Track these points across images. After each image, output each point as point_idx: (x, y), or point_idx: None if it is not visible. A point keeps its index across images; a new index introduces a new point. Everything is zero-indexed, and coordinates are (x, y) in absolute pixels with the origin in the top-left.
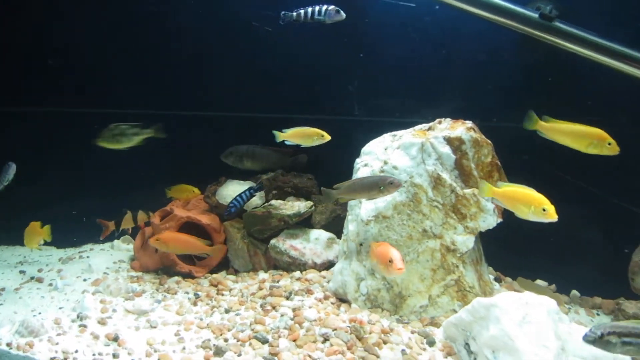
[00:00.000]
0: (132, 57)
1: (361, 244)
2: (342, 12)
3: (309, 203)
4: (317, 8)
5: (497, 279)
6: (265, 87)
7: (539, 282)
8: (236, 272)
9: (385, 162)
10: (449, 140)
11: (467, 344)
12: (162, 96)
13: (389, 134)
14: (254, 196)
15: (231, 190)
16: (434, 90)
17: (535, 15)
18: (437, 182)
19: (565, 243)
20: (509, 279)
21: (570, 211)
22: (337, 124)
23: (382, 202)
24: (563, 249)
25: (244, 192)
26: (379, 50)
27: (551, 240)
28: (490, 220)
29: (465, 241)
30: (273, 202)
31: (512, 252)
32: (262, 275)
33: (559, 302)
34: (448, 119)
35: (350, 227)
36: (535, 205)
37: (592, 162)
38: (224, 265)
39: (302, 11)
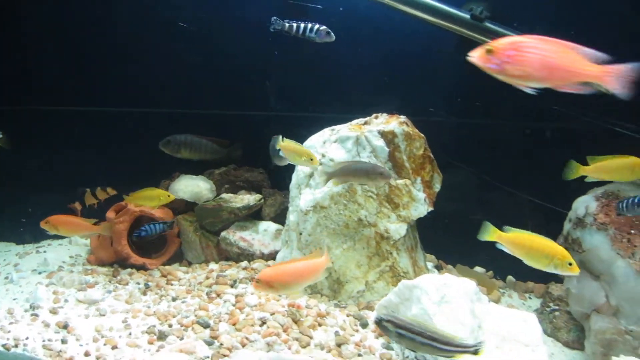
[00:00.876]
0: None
1: (300, 233)
2: (332, 34)
3: (258, 196)
4: (309, 25)
5: (438, 267)
6: (205, 83)
7: (478, 268)
8: (189, 264)
9: (323, 155)
10: (382, 134)
11: None
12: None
13: (329, 128)
14: (165, 231)
15: (183, 184)
16: (377, 86)
17: (467, 16)
18: None
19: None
20: (450, 267)
21: (504, 203)
22: (280, 119)
23: (320, 193)
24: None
25: (158, 224)
26: (323, 48)
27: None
28: (421, 209)
29: (398, 229)
30: (224, 195)
31: (454, 241)
32: (212, 266)
33: (494, 287)
34: (384, 114)
35: (291, 217)
36: (558, 258)
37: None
38: (179, 257)
39: (294, 24)
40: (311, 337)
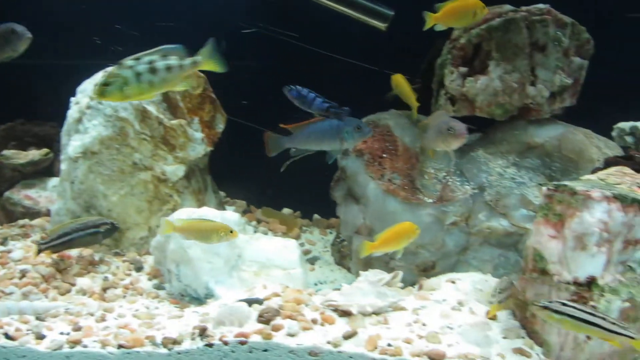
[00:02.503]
0: None
1: (72, 182)
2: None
3: (45, 151)
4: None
5: (247, 211)
6: None
7: (286, 210)
8: None
9: (92, 98)
10: None
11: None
12: None
13: (103, 70)
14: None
15: None
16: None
17: None
18: (143, 115)
19: (304, 175)
20: (259, 210)
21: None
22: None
23: (89, 137)
24: (304, 181)
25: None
26: None
27: (293, 173)
28: (198, 149)
29: (175, 170)
30: (5, 152)
31: (264, 186)
32: None
33: (295, 225)
34: None
35: (62, 166)
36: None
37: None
38: None
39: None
40: (73, 285)
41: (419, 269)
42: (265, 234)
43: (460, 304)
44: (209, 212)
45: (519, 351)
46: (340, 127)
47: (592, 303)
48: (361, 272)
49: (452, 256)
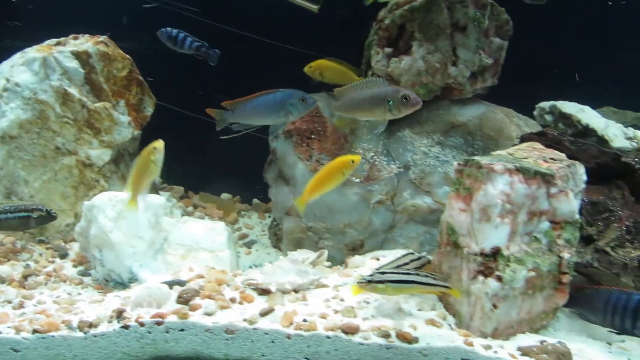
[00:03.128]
0: None
1: None
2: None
3: None
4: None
5: (184, 196)
6: None
7: (224, 195)
8: None
9: (8, 80)
10: (77, 55)
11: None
12: None
13: (22, 51)
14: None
15: None
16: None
17: None
18: (64, 97)
19: (243, 160)
20: (196, 197)
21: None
22: None
23: (7, 121)
24: (243, 165)
25: None
26: None
27: (233, 157)
28: (125, 133)
29: (101, 155)
30: None
31: (204, 171)
32: None
33: (233, 209)
34: (86, 35)
35: None
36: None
37: None
38: None
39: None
40: None
41: (348, 248)
42: (202, 218)
43: None
44: (125, 195)
45: (431, 322)
46: (285, 99)
47: (497, 273)
48: (289, 253)
49: (379, 234)
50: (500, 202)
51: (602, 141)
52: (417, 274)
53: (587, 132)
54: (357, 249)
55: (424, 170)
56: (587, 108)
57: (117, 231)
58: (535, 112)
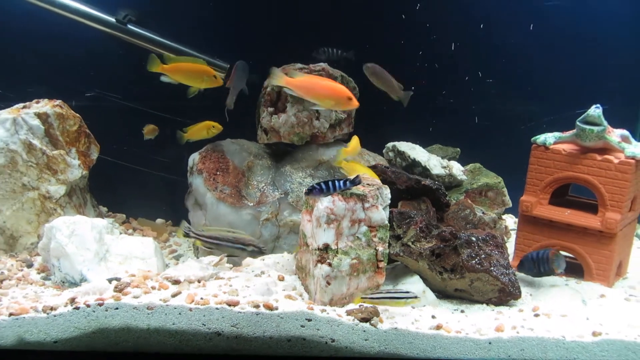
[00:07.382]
0: None
1: None
2: None
3: None
4: None
5: (126, 221)
6: None
7: (159, 220)
8: None
9: None
10: (38, 115)
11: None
12: None
13: None
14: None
15: None
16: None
17: (113, 20)
18: (29, 147)
19: (171, 192)
20: (135, 221)
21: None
22: None
23: None
24: (173, 192)
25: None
26: None
27: (166, 189)
28: (76, 173)
29: (57, 190)
30: None
31: (143, 201)
32: None
33: (164, 231)
34: (45, 100)
35: None
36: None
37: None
38: None
39: None
40: None
41: (250, 255)
42: None
43: (262, 272)
44: (81, 219)
45: (288, 297)
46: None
47: (328, 261)
48: (202, 258)
49: (269, 243)
50: (326, 214)
51: (426, 170)
52: (388, 292)
53: (415, 164)
54: (255, 255)
55: (299, 195)
56: (417, 146)
57: (71, 245)
58: (384, 150)
